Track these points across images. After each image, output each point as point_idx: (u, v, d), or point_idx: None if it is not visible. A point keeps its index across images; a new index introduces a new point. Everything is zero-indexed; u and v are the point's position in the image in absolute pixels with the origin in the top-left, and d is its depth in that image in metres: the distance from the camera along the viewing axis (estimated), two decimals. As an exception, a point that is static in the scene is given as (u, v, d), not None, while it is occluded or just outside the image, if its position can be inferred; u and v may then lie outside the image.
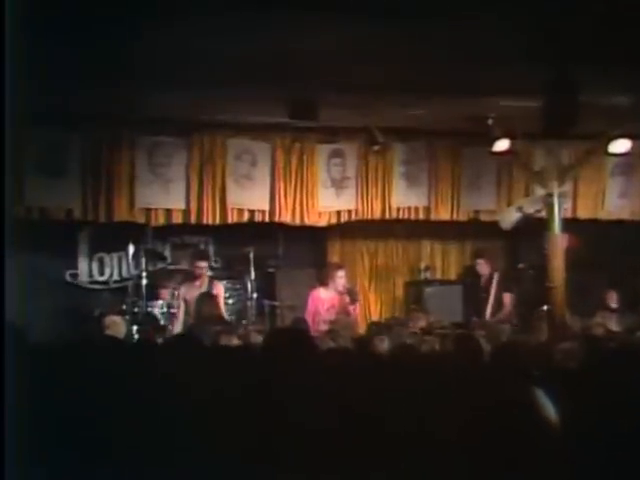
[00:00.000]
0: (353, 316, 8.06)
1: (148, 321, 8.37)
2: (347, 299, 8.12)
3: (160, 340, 6.41)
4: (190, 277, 8.40)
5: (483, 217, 9.55)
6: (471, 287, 9.19)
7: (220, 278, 9.17)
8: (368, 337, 6.20)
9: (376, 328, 6.79)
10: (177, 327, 8.04)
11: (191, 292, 8.16)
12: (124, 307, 8.56)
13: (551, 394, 2.26)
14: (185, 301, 8.20)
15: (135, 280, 8.75)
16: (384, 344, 5.60)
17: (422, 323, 7.62)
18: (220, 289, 8.42)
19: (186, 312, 8.13)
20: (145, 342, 5.61)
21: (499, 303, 8.89)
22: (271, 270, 9.51)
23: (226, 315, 8.36)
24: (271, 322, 9.00)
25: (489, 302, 8.87)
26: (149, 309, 8.59)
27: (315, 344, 3.49)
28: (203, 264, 8.34)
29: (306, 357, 2.97)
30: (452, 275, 10.25)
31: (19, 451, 2.13)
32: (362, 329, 8.25)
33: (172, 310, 8.52)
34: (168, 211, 8.66)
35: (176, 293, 8.38)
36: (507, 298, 8.87)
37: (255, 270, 9.05)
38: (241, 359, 3.47)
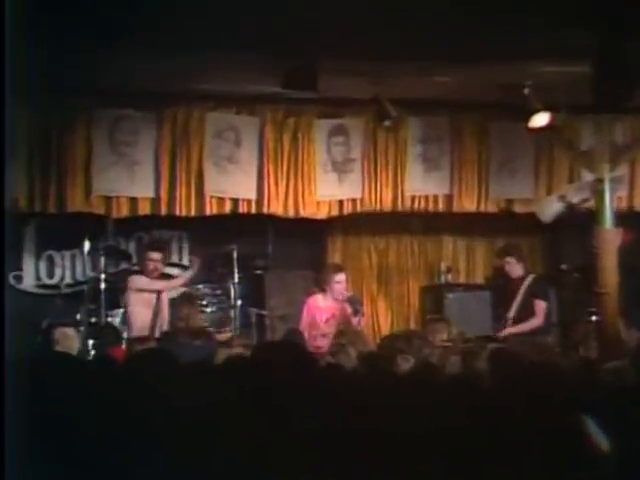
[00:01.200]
0: (355, 329, 7.99)
1: (107, 334, 8.38)
2: (349, 310, 8.08)
3: (122, 358, 6.34)
4: (143, 267, 8.39)
5: (517, 208, 9.58)
6: (499, 292, 9.17)
7: (196, 281, 9.19)
8: (388, 355, 6.12)
9: (393, 343, 6.61)
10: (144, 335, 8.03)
11: (145, 294, 8.17)
12: (78, 317, 8.56)
13: (602, 423, 2.51)
14: (135, 303, 8.21)
15: (92, 284, 8.76)
16: (408, 364, 5.57)
17: (443, 336, 7.56)
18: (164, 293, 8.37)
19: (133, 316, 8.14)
20: (102, 360, 5.45)
21: (528, 312, 8.80)
22: (259, 272, 9.54)
23: (204, 325, 8.40)
24: (259, 335, 9.02)
25: (512, 310, 8.80)
26: (109, 319, 8.59)
27: (317, 364, 3.55)
28: (156, 256, 8.30)
29: (308, 381, 3.01)
30: (479, 278, 10.29)
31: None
32: (373, 344, 8.15)
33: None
34: (133, 200, 8.66)
35: (128, 295, 8.27)
36: (540, 307, 8.76)
37: (239, 272, 9.07)
38: (219, 382, 3.48)
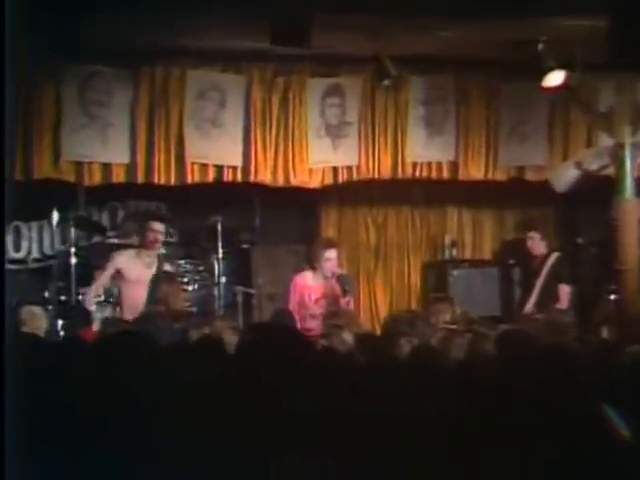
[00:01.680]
0: (346, 309, 7.93)
1: (79, 314, 8.30)
2: (338, 290, 8.04)
3: (94, 340, 6.14)
4: (137, 246, 8.35)
5: (529, 176, 9.57)
6: (517, 270, 9.16)
7: (177, 257, 9.18)
8: (389, 338, 6.13)
9: (394, 325, 6.67)
10: (123, 315, 8.03)
11: (133, 266, 8.11)
12: (47, 295, 8.55)
13: (622, 411, 2.71)
14: (118, 273, 8.12)
15: (62, 258, 8.73)
16: (411, 348, 5.53)
17: (446, 317, 7.47)
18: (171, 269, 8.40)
19: (122, 299, 8.14)
20: (73, 343, 5.39)
21: (550, 296, 8.72)
22: (245, 246, 9.57)
23: (185, 305, 8.38)
24: (245, 316, 9.00)
25: (534, 292, 8.70)
26: (80, 297, 8.52)
27: (311, 347, 3.63)
28: (158, 227, 8.26)
29: (301, 368, 3.06)
30: (487, 254, 10.27)
31: None
32: (371, 325, 8.35)
33: (112, 299, 8.49)
34: (106, 166, 8.61)
35: (110, 269, 8.19)
36: (564, 292, 8.69)
37: (224, 247, 9.07)
38: (203, 368, 3.54)
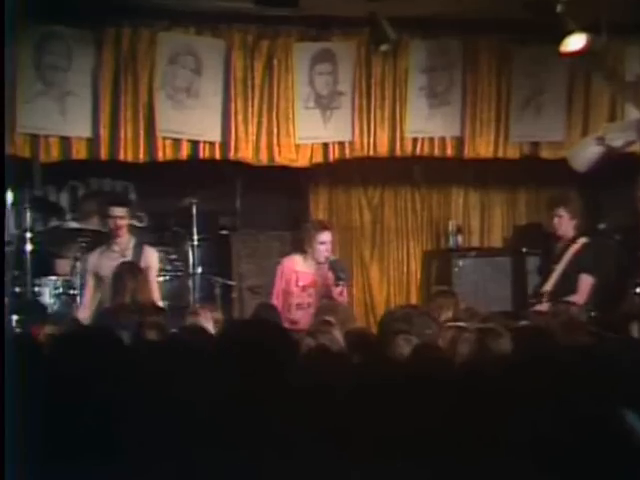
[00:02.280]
0: (340, 302, 7.90)
1: (34, 307, 8.32)
2: (330, 277, 8.02)
3: (52, 336, 5.96)
4: (103, 238, 8.32)
5: (544, 153, 9.54)
6: (532, 260, 9.07)
7: (147, 244, 9.02)
8: (385, 336, 6.05)
9: (391, 322, 6.59)
10: (82, 315, 7.96)
11: (106, 262, 8.07)
12: None
13: None
14: (97, 277, 8.14)
15: (16, 244, 8.67)
16: (410, 346, 5.47)
17: (450, 313, 7.45)
18: (152, 257, 8.35)
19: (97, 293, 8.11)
20: (27, 340, 5.26)
21: (568, 286, 8.51)
22: (224, 232, 9.60)
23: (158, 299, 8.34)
24: (225, 311, 8.75)
25: (551, 280, 8.52)
26: (36, 289, 8.52)
27: (299, 348, 3.74)
28: (120, 211, 8.17)
29: (288, 370, 3.10)
30: (496, 241, 10.27)
31: None
32: (365, 321, 8.48)
33: (73, 291, 8.44)
34: (65, 140, 8.54)
35: (78, 264, 8.28)
36: (585, 283, 8.39)
37: (200, 233, 9.09)
38: (176, 369, 3.62)
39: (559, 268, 8.43)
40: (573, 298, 8.37)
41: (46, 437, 2.87)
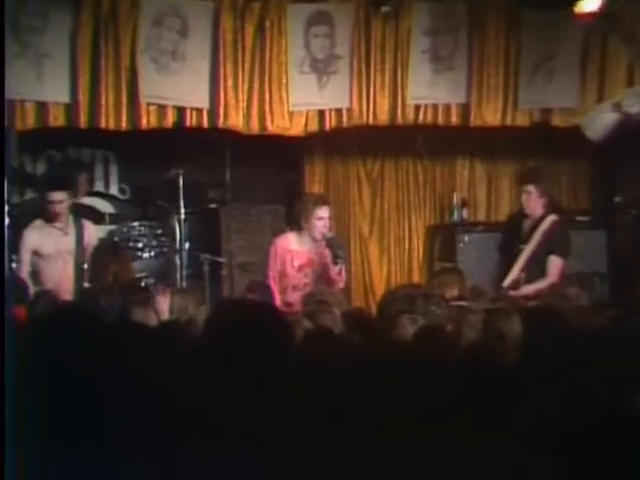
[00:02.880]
0: (337, 283, 7.95)
1: (11, 284, 8.01)
2: (328, 255, 7.98)
3: (34, 315, 6.28)
4: (44, 216, 8.30)
5: (556, 120, 9.48)
6: (509, 234, 8.99)
7: (129, 218, 9.22)
8: (388, 316, 6.04)
9: (393, 302, 6.58)
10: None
11: (47, 238, 8.08)
12: None
13: None
14: (37, 254, 8.12)
15: None
16: (413, 328, 5.47)
17: (455, 291, 7.48)
18: (93, 233, 8.32)
19: (36, 272, 8.10)
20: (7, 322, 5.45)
21: (539, 268, 8.47)
22: (213, 206, 9.60)
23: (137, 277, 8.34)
24: (213, 289, 9.04)
25: (520, 262, 8.47)
26: (13, 265, 8.47)
27: (295, 329, 3.77)
28: (60, 196, 8.13)
29: (283, 354, 3.09)
30: (503, 215, 10.15)
31: None
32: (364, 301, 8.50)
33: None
34: (42, 106, 8.47)
35: (25, 253, 8.18)
36: (554, 265, 8.44)
37: (187, 206, 9.12)
38: (160, 352, 3.69)
39: (528, 249, 8.45)
40: (544, 282, 8.37)
41: (33, 419, 2.88)
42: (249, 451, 2.81)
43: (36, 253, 8.06)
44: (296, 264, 8.00)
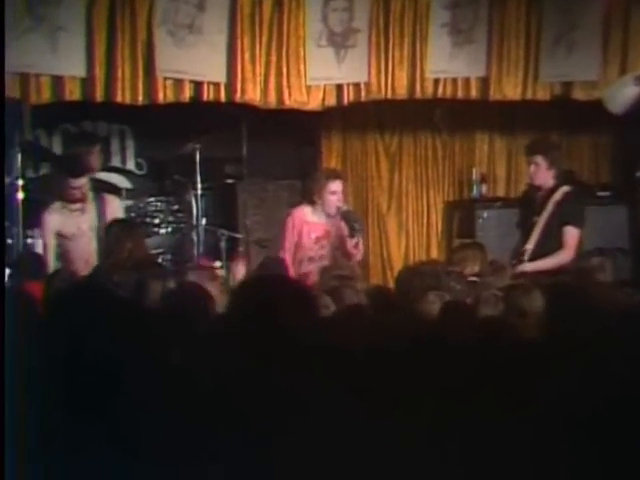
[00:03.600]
0: (354, 256, 7.96)
1: (28, 260, 8.13)
2: (344, 229, 7.97)
3: (49, 290, 6.30)
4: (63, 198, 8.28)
5: (577, 94, 9.40)
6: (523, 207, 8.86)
7: (146, 193, 9.24)
8: (411, 292, 5.99)
9: (417, 276, 6.53)
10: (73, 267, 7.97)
11: (67, 220, 8.07)
12: None
13: None
14: (59, 236, 8.11)
15: (7, 193, 8.53)
16: (440, 305, 5.43)
17: (475, 267, 7.41)
18: (116, 207, 8.30)
19: (63, 253, 8.09)
20: (21, 297, 5.28)
21: (553, 241, 8.28)
22: (230, 181, 9.60)
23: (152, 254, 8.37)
24: (230, 266, 8.94)
25: (534, 235, 8.36)
26: (29, 240, 8.52)
27: (315, 304, 3.64)
28: (81, 183, 8.08)
29: (302, 329, 3.11)
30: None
31: None
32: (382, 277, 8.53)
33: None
34: (58, 80, 8.39)
35: (48, 236, 8.17)
36: (571, 236, 8.23)
37: (204, 181, 9.12)
38: (175, 330, 3.76)
39: (541, 221, 8.35)
40: (560, 254, 8.27)
41: (45, 398, 2.89)
42: (271, 430, 2.83)
43: (59, 235, 8.06)
44: (313, 236, 7.99)
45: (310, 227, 8.01)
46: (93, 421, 2.84)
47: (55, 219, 8.11)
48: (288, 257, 7.85)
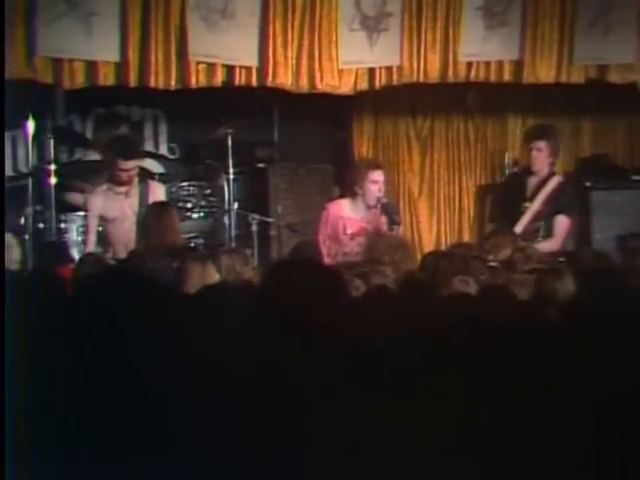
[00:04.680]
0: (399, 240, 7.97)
1: (59, 244, 8.36)
2: (384, 221, 8.03)
3: (80, 275, 6.43)
4: (111, 180, 8.38)
5: (612, 77, 9.31)
6: (597, 194, 9.14)
7: (178, 177, 9.29)
8: (438, 277, 6.03)
9: (443, 260, 6.56)
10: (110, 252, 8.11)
11: (111, 203, 8.16)
12: (22, 220, 8.58)
13: None
14: (103, 219, 8.22)
15: (39, 177, 8.75)
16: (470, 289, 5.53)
17: (508, 252, 7.42)
18: (160, 193, 8.41)
19: (104, 238, 8.19)
20: (54, 279, 5.45)
21: (542, 228, 8.45)
22: (262, 166, 9.62)
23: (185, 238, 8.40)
24: (262, 250, 9.08)
25: (523, 220, 8.35)
26: (62, 225, 8.60)
27: (347, 288, 3.72)
28: (130, 165, 8.18)
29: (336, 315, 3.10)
30: (558, 174, 9.59)
31: None
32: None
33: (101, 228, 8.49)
34: (91, 65, 8.42)
35: (93, 220, 8.28)
36: (562, 226, 8.42)
37: (236, 165, 9.13)
38: (206, 314, 3.66)
39: (533, 208, 8.32)
40: (549, 242, 8.29)
41: (69, 381, 2.88)
42: (307, 413, 2.85)
43: (102, 218, 8.13)
44: (349, 232, 8.04)
45: (346, 222, 8.07)
46: (118, 410, 2.82)
47: (99, 202, 8.19)
48: (323, 250, 7.87)
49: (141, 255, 7.16)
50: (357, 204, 8.11)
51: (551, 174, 8.64)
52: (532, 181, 8.60)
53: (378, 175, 8.10)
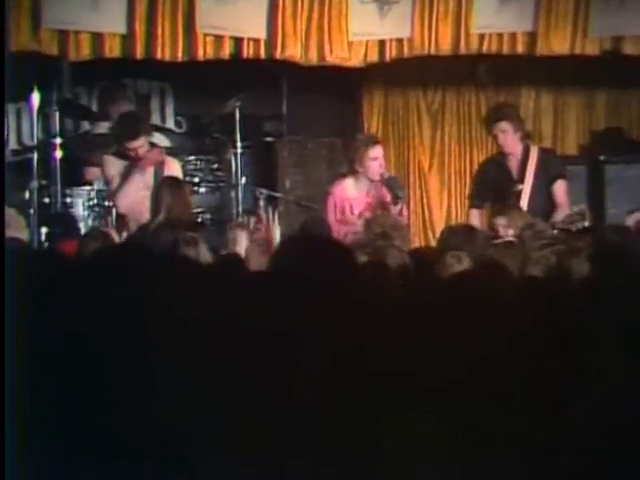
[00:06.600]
0: (393, 216, 7.89)
1: (65, 220, 8.39)
2: (387, 196, 7.99)
3: (86, 251, 6.34)
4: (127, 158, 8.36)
5: (628, 49, 9.19)
6: (610, 168, 9.10)
7: (185, 151, 9.32)
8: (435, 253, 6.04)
9: (448, 236, 6.63)
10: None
11: (129, 182, 8.13)
12: (26, 195, 8.55)
13: None
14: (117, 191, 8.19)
15: (45, 151, 8.78)
16: (462, 265, 5.45)
17: (516, 229, 7.35)
18: (176, 169, 8.38)
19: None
20: (58, 255, 5.42)
21: (543, 202, 8.37)
22: (270, 139, 9.69)
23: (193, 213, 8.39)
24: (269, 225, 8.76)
25: (522, 198, 8.37)
26: (67, 200, 8.65)
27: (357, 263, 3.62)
28: (139, 143, 8.14)
29: (345, 290, 3.05)
30: (571, 148, 10.20)
31: None
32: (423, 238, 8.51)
33: (107, 203, 8.54)
34: (97, 36, 8.41)
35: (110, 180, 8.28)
36: (562, 189, 8.37)
37: (244, 139, 9.18)
38: (214, 290, 3.63)
39: (527, 187, 8.35)
40: (559, 210, 8.26)
41: (73, 361, 2.87)
42: (322, 393, 2.82)
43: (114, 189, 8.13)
44: (356, 211, 8.02)
45: (352, 203, 8.05)
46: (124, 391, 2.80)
47: (118, 164, 8.17)
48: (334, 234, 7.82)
49: (152, 230, 7.17)
50: (360, 182, 8.11)
51: (527, 148, 8.58)
52: (513, 162, 8.52)
53: (377, 151, 8.08)
